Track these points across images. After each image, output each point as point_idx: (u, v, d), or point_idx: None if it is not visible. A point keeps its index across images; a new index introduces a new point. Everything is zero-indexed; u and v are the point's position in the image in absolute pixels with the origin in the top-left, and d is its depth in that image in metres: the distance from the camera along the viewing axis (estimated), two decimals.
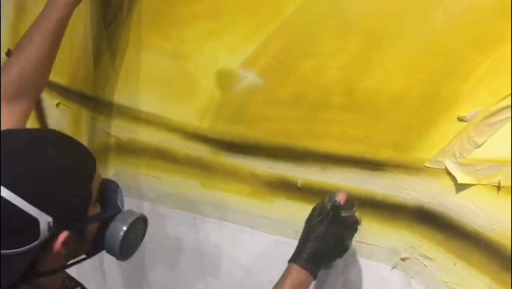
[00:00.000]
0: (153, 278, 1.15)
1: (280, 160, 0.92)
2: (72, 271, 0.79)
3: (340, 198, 0.81)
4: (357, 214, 0.82)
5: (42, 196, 0.64)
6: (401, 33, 0.76)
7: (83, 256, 0.75)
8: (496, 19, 0.70)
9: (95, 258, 1.10)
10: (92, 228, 0.73)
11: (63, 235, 0.66)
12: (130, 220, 0.76)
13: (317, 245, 0.79)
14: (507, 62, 0.70)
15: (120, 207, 0.77)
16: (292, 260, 0.80)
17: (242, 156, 0.96)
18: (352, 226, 0.81)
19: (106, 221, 0.75)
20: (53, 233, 0.65)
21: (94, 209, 0.73)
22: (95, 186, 0.71)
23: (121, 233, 0.74)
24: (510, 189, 0.71)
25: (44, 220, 0.64)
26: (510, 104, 0.70)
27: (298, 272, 0.78)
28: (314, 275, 0.79)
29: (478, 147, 0.73)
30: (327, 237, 0.79)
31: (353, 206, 0.81)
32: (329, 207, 0.81)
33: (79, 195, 0.68)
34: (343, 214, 0.80)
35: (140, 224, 0.79)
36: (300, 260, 0.79)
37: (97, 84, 1.11)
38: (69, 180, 0.67)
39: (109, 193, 0.76)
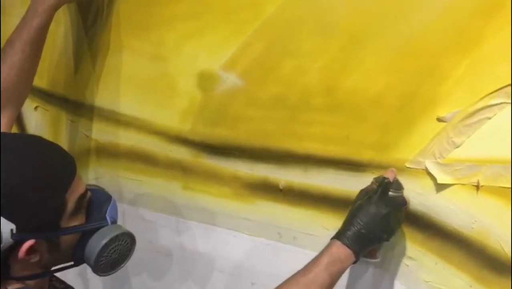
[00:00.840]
0: (136, 283, 1.14)
1: (261, 161, 0.91)
2: None
3: (389, 175, 0.77)
4: (406, 196, 0.78)
5: (5, 204, 0.63)
6: (380, 34, 0.77)
7: (70, 263, 0.74)
8: (473, 20, 0.70)
9: None
10: (69, 239, 0.71)
11: (27, 243, 0.66)
12: (111, 235, 0.73)
13: (363, 223, 0.74)
14: (484, 63, 0.70)
15: (108, 220, 0.75)
16: (335, 237, 0.76)
17: (223, 158, 0.95)
18: (400, 206, 0.77)
19: (88, 234, 0.73)
20: (17, 241, 0.65)
21: (73, 220, 0.71)
22: (71, 196, 0.70)
23: (98, 249, 0.72)
24: (490, 189, 0.72)
25: (7, 227, 0.63)
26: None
27: (338, 248, 0.74)
28: (356, 254, 0.74)
29: (457, 147, 0.74)
30: (374, 216, 0.74)
31: (402, 187, 0.78)
32: (376, 186, 0.77)
33: (48, 205, 0.67)
34: (391, 193, 0.76)
35: (124, 241, 0.76)
36: (343, 238, 0.74)
37: (77, 87, 1.10)
38: (36, 190, 0.66)
39: (97, 204, 0.75)
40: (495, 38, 0.69)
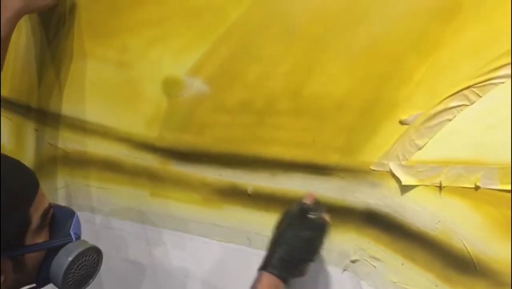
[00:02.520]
0: None
1: (229, 167, 0.91)
2: None
3: (307, 200, 0.79)
4: (326, 216, 0.79)
5: None
6: (341, 39, 0.77)
7: (32, 285, 0.71)
8: (431, 24, 0.72)
9: None
10: (34, 257, 0.69)
11: None
12: (77, 251, 0.71)
13: (286, 250, 0.75)
14: (443, 66, 0.72)
15: (73, 236, 0.73)
16: (262, 267, 0.76)
17: (191, 164, 0.94)
18: (321, 228, 0.78)
19: (53, 251, 0.71)
20: None
21: (38, 237, 0.69)
22: (36, 211, 0.68)
23: (65, 266, 0.70)
24: (452, 189, 0.74)
25: None
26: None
27: (267, 279, 0.75)
28: (285, 281, 0.75)
29: (420, 149, 0.75)
30: (297, 241, 0.76)
31: (322, 208, 0.79)
32: (296, 211, 0.78)
33: (12, 221, 0.65)
34: (311, 215, 0.78)
35: (90, 256, 0.74)
36: (270, 267, 0.75)
37: (41, 95, 1.08)
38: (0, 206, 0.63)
39: (61, 220, 0.73)
40: (453, 42, 0.70)
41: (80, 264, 0.72)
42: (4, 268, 0.65)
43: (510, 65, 0.67)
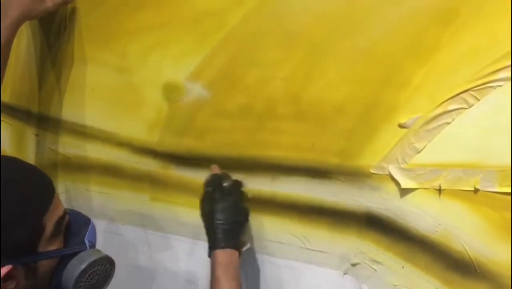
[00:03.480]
0: None
1: (230, 171, 0.91)
2: None
3: (215, 171, 0.86)
4: (237, 179, 0.86)
5: None
6: (341, 44, 0.78)
7: None
8: (430, 28, 0.72)
9: None
10: (47, 264, 0.69)
11: (5, 269, 0.63)
12: (89, 260, 0.71)
13: (222, 222, 0.81)
14: (441, 70, 0.72)
15: (87, 244, 0.73)
16: (212, 248, 0.81)
17: (192, 169, 0.95)
18: (238, 189, 0.85)
19: (66, 259, 0.71)
20: None
21: (51, 244, 0.69)
22: (50, 219, 0.68)
23: (76, 274, 0.69)
24: (451, 192, 0.74)
25: None
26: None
27: (221, 255, 0.79)
28: (237, 249, 0.81)
29: (419, 152, 0.75)
30: (226, 210, 0.82)
31: (229, 175, 0.86)
32: (210, 187, 0.85)
33: (26, 228, 0.65)
34: (225, 184, 0.84)
35: (102, 266, 0.73)
36: (217, 244, 0.80)
37: (42, 100, 1.08)
38: (14, 213, 0.64)
39: (76, 228, 0.73)
40: (451, 46, 0.71)
41: (92, 273, 0.71)
42: (15, 274, 0.64)
43: (508, 68, 0.67)
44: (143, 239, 1.03)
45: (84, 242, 0.73)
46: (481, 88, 0.70)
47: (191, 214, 0.97)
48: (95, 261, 0.72)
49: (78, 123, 1.04)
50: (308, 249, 0.87)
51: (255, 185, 0.90)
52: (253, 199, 0.90)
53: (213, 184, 0.85)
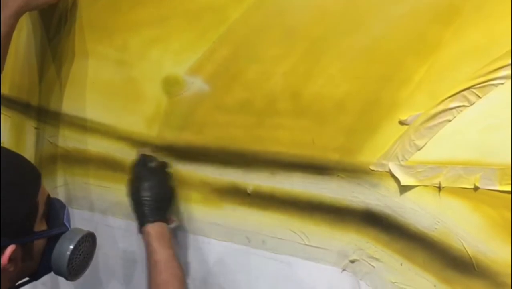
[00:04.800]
0: None
1: (229, 166, 0.91)
2: None
3: (141, 152, 0.91)
4: (163, 160, 0.92)
5: None
6: (342, 40, 0.77)
7: (27, 278, 0.72)
8: (431, 25, 0.72)
9: None
10: (39, 245, 0.71)
11: (10, 249, 0.64)
12: (77, 238, 0.74)
13: (149, 198, 0.86)
14: (443, 68, 0.72)
15: (67, 226, 0.76)
16: (141, 225, 0.86)
17: (191, 163, 0.95)
18: (164, 169, 0.91)
19: (52, 240, 0.73)
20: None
21: (42, 225, 0.71)
22: (42, 199, 0.70)
23: (68, 252, 0.72)
24: (451, 190, 0.74)
25: None
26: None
27: (152, 228, 0.84)
28: (166, 221, 0.87)
29: (419, 149, 0.75)
30: (152, 188, 0.87)
31: (154, 157, 0.92)
32: (137, 167, 0.90)
33: (25, 207, 0.67)
34: (151, 164, 0.90)
35: (88, 242, 0.77)
36: (146, 220, 0.85)
37: (41, 93, 1.08)
38: (13, 192, 0.65)
39: (55, 211, 0.75)
40: (453, 43, 0.70)
41: (80, 249, 0.75)
42: (16, 256, 0.66)
43: (509, 67, 0.67)
44: None
45: (64, 224, 0.76)
46: (483, 86, 0.69)
47: (189, 209, 0.97)
48: (82, 238, 0.75)
49: (78, 116, 1.04)
50: (306, 245, 0.87)
51: (254, 180, 0.90)
52: (251, 194, 0.90)
53: (140, 164, 0.90)
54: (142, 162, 0.91)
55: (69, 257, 0.73)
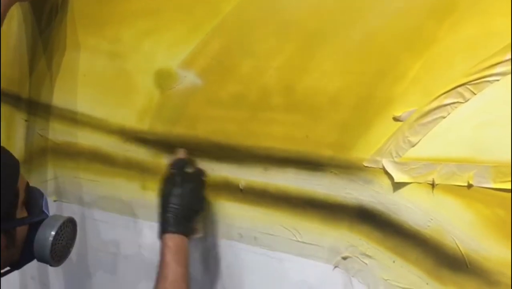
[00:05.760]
0: (93, 285, 1.12)
1: (221, 161, 0.90)
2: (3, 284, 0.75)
3: (180, 155, 0.87)
4: (200, 167, 0.88)
5: None
6: (336, 35, 0.77)
7: (8, 268, 0.72)
8: (426, 21, 0.71)
9: (32, 267, 1.06)
10: (20, 232, 0.71)
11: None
12: (58, 224, 0.74)
13: (177, 206, 0.82)
14: (438, 64, 0.71)
15: (47, 213, 0.76)
16: (161, 231, 0.82)
17: None
18: (199, 178, 0.87)
19: (33, 227, 0.73)
20: None
21: (23, 212, 0.71)
22: (21, 186, 0.70)
23: (50, 238, 0.73)
24: (445, 187, 0.73)
25: None
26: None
27: (171, 239, 0.81)
28: (186, 234, 0.83)
29: (413, 146, 0.75)
30: (183, 196, 0.83)
31: (194, 161, 0.89)
32: (173, 170, 0.86)
33: (7, 194, 0.66)
34: (188, 170, 0.87)
35: (69, 227, 0.78)
36: (169, 228, 0.81)
37: (32, 85, 1.07)
38: None
39: (34, 199, 0.75)
40: (448, 39, 0.70)
41: (62, 235, 0.76)
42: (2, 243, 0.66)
43: (505, 63, 0.67)
44: (132, 227, 1.03)
45: (43, 211, 0.76)
46: (478, 82, 0.69)
47: None
48: (63, 223, 0.76)
49: (69, 109, 1.03)
50: (298, 241, 0.86)
51: (247, 176, 0.89)
52: (244, 190, 0.90)
53: (177, 167, 0.86)
54: (179, 165, 0.87)
55: (51, 243, 0.73)
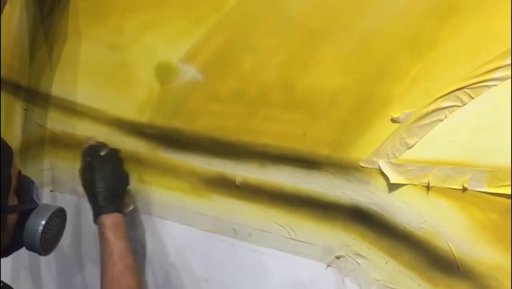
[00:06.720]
0: (86, 278, 1.11)
1: (219, 156, 0.90)
2: None
3: (91, 142, 0.90)
4: (113, 147, 0.92)
5: None
6: (338, 33, 0.77)
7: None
8: (428, 23, 0.71)
9: (25, 257, 1.07)
10: (12, 219, 0.71)
11: None
12: (48, 214, 0.74)
13: (103, 189, 0.86)
14: (437, 66, 0.71)
15: (37, 202, 0.75)
16: (96, 215, 0.86)
17: (180, 152, 0.94)
18: (116, 156, 0.91)
19: (23, 215, 0.73)
20: None
21: (14, 200, 0.70)
22: (14, 173, 0.70)
23: (40, 227, 0.73)
24: (440, 190, 0.73)
25: None
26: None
27: (107, 219, 0.84)
28: (120, 211, 0.86)
29: (410, 147, 0.75)
30: (105, 177, 0.87)
31: (105, 144, 0.92)
32: (88, 158, 0.89)
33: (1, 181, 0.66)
34: (102, 153, 0.90)
35: (59, 217, 0.77)
36: (101, 211, 0.85)
37: (32, 74, 1.07)
38: None
39: (25, 187, 0.74)
40: (448, 42, 0.70)
41: (52, 224, 0.76)
42: None
43: (504, 68, 0.67)
44: (128, 220, 1.02)
45: (34, 200, 0.76)
46: (476, 86, 0.69)
47: (177, 198, 0.97)
48: (53, 213, 0.76)
49: (68, 99, 1.02)
50: (292, 239, 0.87)
51: (243, 172, 0.89)
52: (240, 186, 0.90)
53: (91, 154, 0.89)
54: (92, 151, 0.90)
55: (41, 232, 0.73)
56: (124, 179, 0.91)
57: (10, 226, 0.71)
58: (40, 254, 0.75)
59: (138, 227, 1.02)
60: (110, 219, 0.84)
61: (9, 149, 0.70)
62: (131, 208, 0.92)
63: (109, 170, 0.88)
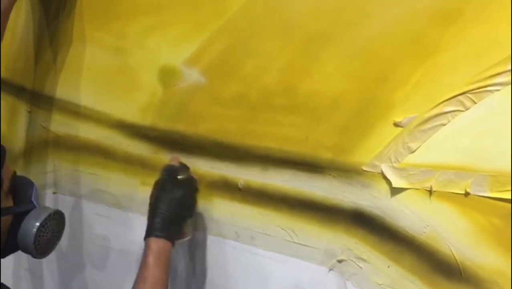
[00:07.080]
0: (87, 279, 1.12)
1: (221, 160, 0.91)
2: None
3: (174, 162, 0.86)
4: (193, 175, 0.88)
5: None
6: (340, 38, 0.77)
7: None
8: (430, 27, 0.72)
9: (26, 259, 1.07)
10: (5, 222, 0.70)
11: None
12: (43, 216, 0.73)
13: (165, 212, 0.82)
14: (440, 71, 0.71)
15: (35, 204, 0.75)
16: (147, 235, 0.82)
17: (183, 155, 0.94)
18: (191, 185, 0.87)
19: (18, 217, 0.72)
20: None
21: (7, 202, 0.70)
22: (6, 174, 0.69)
23: (34, 229, 0.72)
24: (442, 194, 0.73)
25: None
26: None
27: (155, 243, 0.81)
28: (171, 240, 0.82)
29: (412, 152, 0.75)
30: (171, 201, 0.83)
31: (188, 168, 0.88)
32: (166, 175, 0.86)
33: None
34: (180, 176, 0.86)
35: (55, 220, 0.77)
36: (154, 232, 0.81)
37: (36, 76, 1.07)
38: None
39: (23, 188, 0.74)
40: (451, 47, 0.70)
41: (47, 227, 0.75)
42: None
43: (507, 73, 0.67)
44: (130, 223, 1.03)
45: (31, 201, 0.75)
46: (479, 91, 0.69)
47: None
48: (49, 215, 0.75)
49: (72, 102, 1.03)
50: (294, 242, 0.87)
51: (246, 175, 0.89)
52: (242, 189, 0.90)
53: (168, 173, 0.86)
54: (171, 170, 0.87)
55: (35, 234, 0.72)
56: (189, 209, 0.88)
57: (4, 228, 0.70)
58: (35, 256, 0.75)
59: (138, 230, 1.02)
60: (157, 244, 0.81)
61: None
62: (187, 237, 0.89)
63: (178, 195, 0.84)
